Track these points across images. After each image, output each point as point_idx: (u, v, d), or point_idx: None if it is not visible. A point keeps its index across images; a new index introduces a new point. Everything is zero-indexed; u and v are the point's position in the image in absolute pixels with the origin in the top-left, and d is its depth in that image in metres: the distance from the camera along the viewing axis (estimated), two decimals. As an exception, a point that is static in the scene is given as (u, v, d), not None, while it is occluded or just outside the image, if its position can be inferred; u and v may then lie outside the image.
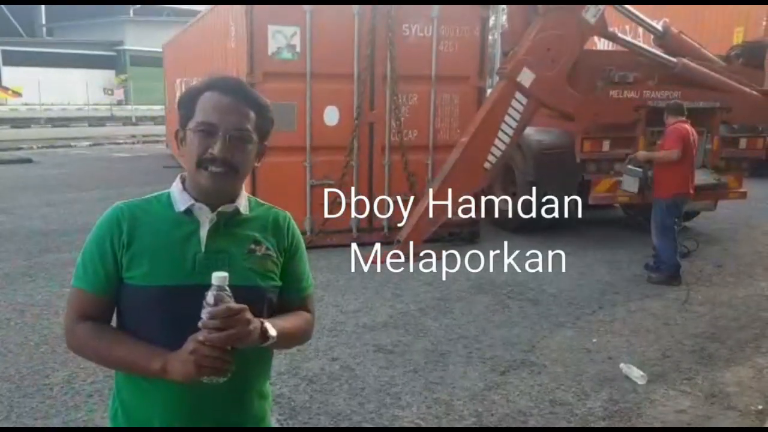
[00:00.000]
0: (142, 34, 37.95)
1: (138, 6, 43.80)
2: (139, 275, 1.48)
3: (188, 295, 1.42)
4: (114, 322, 1.57)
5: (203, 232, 1.51)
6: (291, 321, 1.62)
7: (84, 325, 1.51)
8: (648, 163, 6.52)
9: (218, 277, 1.37)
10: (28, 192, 10.82)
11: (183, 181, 1.57)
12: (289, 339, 1.61)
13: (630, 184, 6.75)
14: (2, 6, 40.28)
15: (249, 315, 1.39)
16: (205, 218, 1.52)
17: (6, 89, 33.88)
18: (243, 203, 1.58)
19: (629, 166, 6.73)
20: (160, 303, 1.47)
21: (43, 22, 44.40)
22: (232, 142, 1.48)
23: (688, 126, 6.25)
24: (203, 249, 1.50)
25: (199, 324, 1.35)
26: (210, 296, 1.36)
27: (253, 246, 1.57)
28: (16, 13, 41.25)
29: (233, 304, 1.37)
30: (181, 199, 1.53)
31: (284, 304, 1.66)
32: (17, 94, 33.53)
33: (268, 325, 1.46)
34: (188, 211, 1.52)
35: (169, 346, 1.42)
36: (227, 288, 1.37)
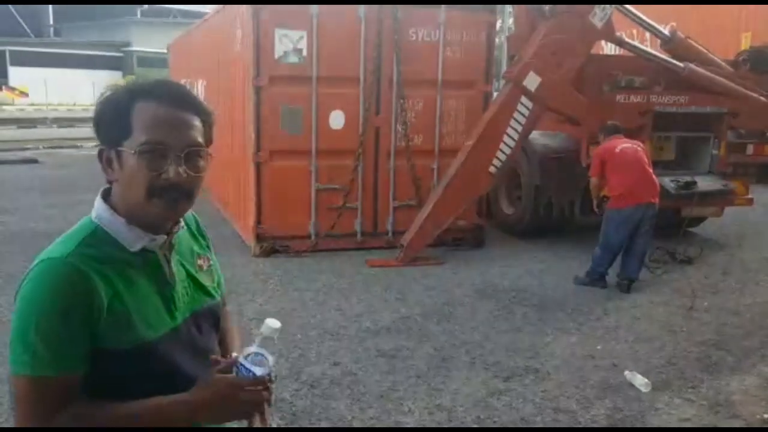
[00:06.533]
0: (149, 36, 38.00)
1: (145, 7, 43.98)
2: (117, 337, 1.25)
3: (172, 342, 1.32)
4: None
5: (167, 267, 1.35)
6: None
7: (66, 412, 1.21)
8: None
9: (270, 328, 1.29)
10: (32, 193, 10.83)
11: (115, 210, 1.30)
12: None
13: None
14: (10, 6, 40.47)
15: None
16: (162, 251, 1.35)
17: (13, 89, 34.01)
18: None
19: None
20: (147, 360, 1.28)
21: (51, 22, 44.57)
22: (188, 162, 1.26)
23: (610, 143, 6.19)
24: (173, 284, 1.36)
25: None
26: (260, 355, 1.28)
27: (200, 262, 1.46)
28: (24, 13, 41.45)
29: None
30: (132, 236, 1.30)
31: None
32: (24, 94, 33.67)
33: None
34: (142, 248, 1.31)
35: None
36: (275, 340, 1.30)
